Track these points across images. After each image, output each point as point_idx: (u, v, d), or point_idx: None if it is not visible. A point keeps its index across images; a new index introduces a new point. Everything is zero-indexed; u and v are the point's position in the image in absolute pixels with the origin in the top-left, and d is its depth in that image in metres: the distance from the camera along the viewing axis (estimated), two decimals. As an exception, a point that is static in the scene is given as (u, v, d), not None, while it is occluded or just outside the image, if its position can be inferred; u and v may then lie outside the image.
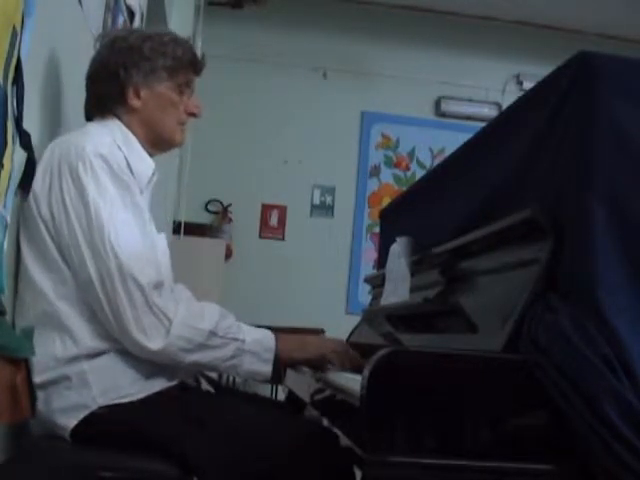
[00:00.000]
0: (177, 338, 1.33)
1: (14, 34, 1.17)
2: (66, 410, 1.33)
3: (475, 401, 1.01)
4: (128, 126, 1.51)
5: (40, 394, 1.34)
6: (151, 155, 1.56)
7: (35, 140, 1.37)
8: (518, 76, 5.40)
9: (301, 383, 1.73)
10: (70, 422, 1.32)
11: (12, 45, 1.16)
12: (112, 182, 1.37)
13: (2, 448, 1.33)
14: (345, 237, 5.25)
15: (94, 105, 1.54)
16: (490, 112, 5.13)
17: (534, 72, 4.72)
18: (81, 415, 1.32)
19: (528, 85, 5.00)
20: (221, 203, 5.10)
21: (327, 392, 1.40)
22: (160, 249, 1.48)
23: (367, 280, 2.40)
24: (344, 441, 1.26)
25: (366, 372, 0.99)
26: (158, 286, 1.34)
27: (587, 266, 1.04)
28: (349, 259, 5.23)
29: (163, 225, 3.69)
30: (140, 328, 1.31)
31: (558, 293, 1.06)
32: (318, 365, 1.51)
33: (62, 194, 1.35)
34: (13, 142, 1.23)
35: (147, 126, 1.53)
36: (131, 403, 1.34)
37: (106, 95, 1.51)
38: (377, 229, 3.11)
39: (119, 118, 1.51)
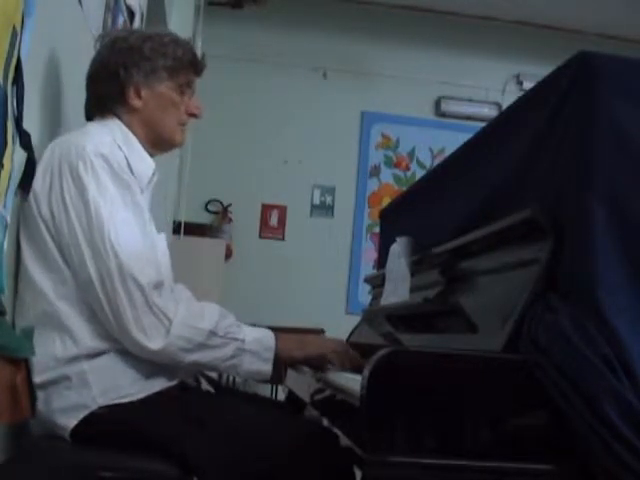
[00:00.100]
0: (177, 338, 1.33)
1: (14, 34, 1.17)
2: (66, 410, 1.33)
3: (475, 401, 1.01)
4: (128, 126, 1.51)
5: (40, 394, 1.34)
6: (151, 155, 1.56)
7: (35, 140, 1.37)
8: (518, 76, 5.40)
9: (301, 383, 1.73)
10: (70, 422, 1.32)
11: (12, 45, 1.16)
12: (112, 181, 1.37)
13: (2, 448, 1.33)
14: (345, 237, 5.25)
15: (94, 105, 1.54)
16: (490, 112, 5.14)
17: (534, 72, 4.72)
18: (81, 415, 1.32)
19: (528, 85, 5.00)
20: (221, 203, 5.10)
21: (327, 392, 1.40)
22: (160, 249, 1.48)
23: (367, 280, 2.40)
24: (344, 441, 1.26)
25: (366, 372, 0.99)
26: (158, 286, 1.34)
27: (587, 266, 1.04)
28: (349, 259, 5.24)
29: (163, 225, 3.69)
30: (140, 328, 1.31)
31: (558, 293, 1.06)
32: (318, 365, 1.51)
33: (62, 193, 1.35)
34: (13, 142, 1.23)
35: (147, 126, 1.53)
36: (131, 403, 1.34)
37: (106, 95, 1.51)
38: (377, 229, 3.11)
39: (119, 118, 1.51)
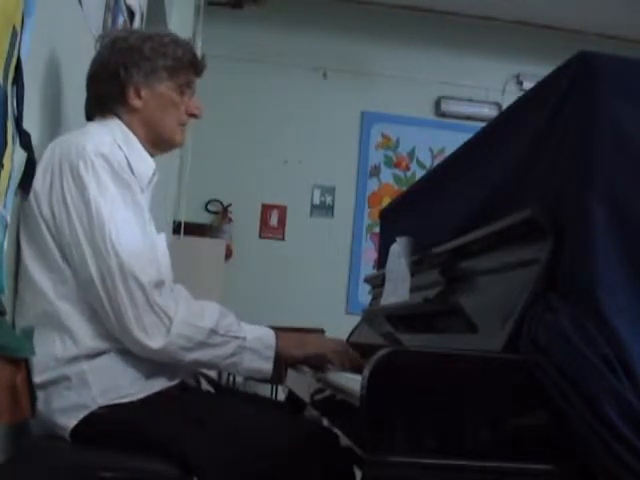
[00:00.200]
0: (178, 337, 1.33)
1: (14, 34, 1.17)
2: (66, 410, 1.33)
3: (475, 401, 1.01)
4: (129, 126, 1.51)
5: (40, 394, 1.34)
6: (152, 155, 1.56)
7: (35, 140, 1.37)
8: (518, 76, 5.40)
9: (301, 383, 1.73)
10: (70, 422, 1.32)
11: (12, 45, 1.16)
12: (113, 181, 1.37)
13: (2, 448, 1.33)
14: (345, 237, 5.25)
15: (95, 105, 1.54)
16: (490, 112, 5.14)
17: (534, 72, 4.72)
18: (81, 415, 1.32)
19: (528, 85, 5.00)
20: (221, 203, 5.10)
21: (327, 392, 1.40)
22: (160, 249, 1.48)
23: (367, 280, 2.40)
24: (344, 441, 1.26)
25: (366, 372, 0.99)
26: (159, 285, 1.34)
27: (587, 266, 1.04)
28: (349, 259, 5.24)
29: (163, 225, 3.69)
30: (141, 327, 1.31)
31: (558, 293, 1.06)
32: (318, 364, 1.51)
33: (63, 193, 1.35)
34: (13, 142, 1.23)
35: (147, 126, 1.53)
36: (131, 403, 1.34)
37: (107, 95, 1.51)
38: (377, 229, 3.12)
39: (120, 118, 1.51)
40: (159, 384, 1.38)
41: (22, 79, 1.23)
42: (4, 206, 1.21)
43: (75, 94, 1.63)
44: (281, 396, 3.32)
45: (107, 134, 1.45)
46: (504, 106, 4.66)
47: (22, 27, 1.21)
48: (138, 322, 1.31)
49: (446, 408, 1.00)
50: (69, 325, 1.34)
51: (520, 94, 1.46)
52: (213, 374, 1.78)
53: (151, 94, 1.52)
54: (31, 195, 1.37)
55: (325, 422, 1.46)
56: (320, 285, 5.04)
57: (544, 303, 1.05)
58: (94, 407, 1.32)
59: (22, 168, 1.31)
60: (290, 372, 1.91)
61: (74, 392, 1.33)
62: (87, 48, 1.70)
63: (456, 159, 1.71)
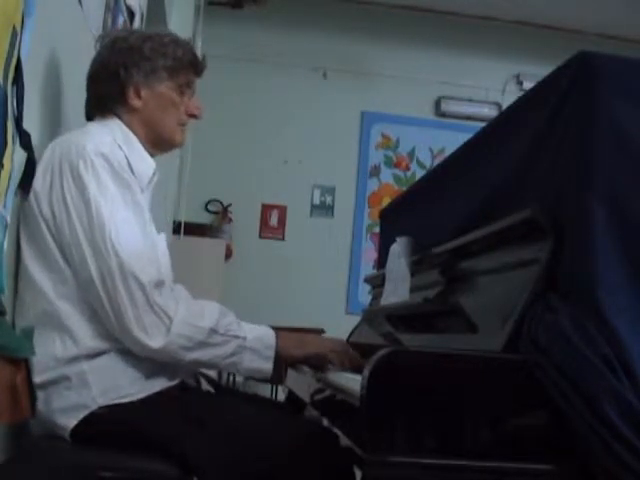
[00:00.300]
0: (178, 336, 1.33)
1: (14, 34, 1.17)
2: (66, 410, 1.33)
3: (475, 401, 1.01)
4: (129, 126, 1.51)
5: (40, 394, 1.34)
6: (152, 155, 1.56)
7: (35, 140, 1.37)
8: (518, 76, 5.40)
9: (301, 383, 1.73)
10: (70, 422, 1.32)
11: (12, 45, 1.16)
12: (113, 180, 1.37)
13: (2, 448, 1.33)
14: (345, 237, 5.25)
15: (95, 105, 1.54)
16: (490, 112, 5.14)
17: (534, 72, 4.72)
18: (81, 415, 1.32)
19: (528, 85, 5.00)
20: (221, 203, 5.10)
21: (327, 392, 1.40)
22: (160, 249, 1.48)
23: (367, 280, 2.39)
24: (344, 441, 1.26)
25: (366, 372, 0.99)
26: (159, 285, 1.34)
27: (587, 266, 1.04)
28: (349, 259, 5.24)
29: (163, 225, 3.69)
30: (141, 326, 1.31)
31: (558, 293, 1.06)
32: (318, 364, 1.51)
33: (63, 192, 1.35)
34: (13, 142, 1.23)
35: (147, 126, 1.53)
36: (131, 403, 1.34)
37: (107, 95, 1.51)
38: (377, 229, 3.12)
39: (120, 118, 1.51)
40: (159, 384, 1.38)
41: (22, 79, 1.23)
42: (4, 206, 1.21)
43: (75, 94, 1.63)
44: (281, 396, 3.32)
45: (107, 134, 1.45)
46: (504, 106, 4.66)
47: (22, 27, 1.21)
48: (138, 322, 1.31)
49: (446, 408, 1.00)
50: (69, 325, 1.34)
51: (520, 94, 1.46)
52: (213, 374, 1.78)
53: (151, 94, 1.52)
54: (31, 195, 1.37)
55: (325, 422, 1.46)
56: (320, 285, 5.04)
57: (544, 303, 1.05)
58: (94, 407, 1.32)
59: (22, 168, 1.31)
60: (290, 372, 1.91)
61: (74, 392, 1.33)
62: (87, 48, 1.70)
63: (456, 159, 1.71)
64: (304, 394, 1.68)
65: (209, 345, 1.36)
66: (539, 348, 1.01)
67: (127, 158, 1.43)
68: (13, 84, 1.21)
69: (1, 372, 1.23)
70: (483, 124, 1.61)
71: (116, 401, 1.33)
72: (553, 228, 1.11)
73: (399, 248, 1.73)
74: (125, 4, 2.31)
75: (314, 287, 5.03)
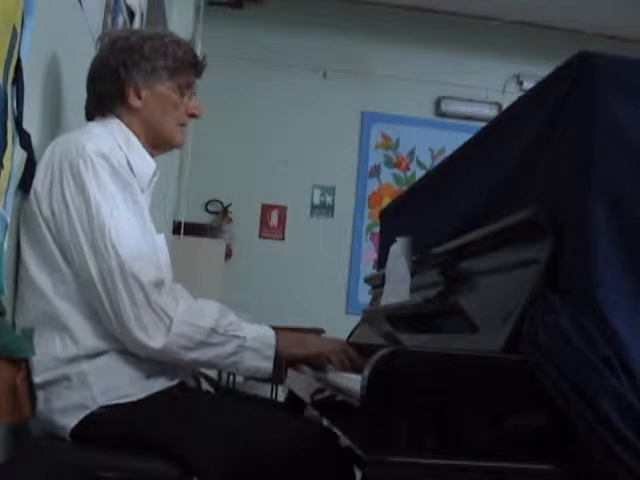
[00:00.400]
0: (178, 336, 1.33)
1: (14, 34, 1.16)
2: (66, 410, 1.33)
3: (475, 401, 1.01)
4: (129, 126, 1.51)
5: (40, 394, 1.34)
6: (152, 155, 1.56)
7: (35, 140, 1.37)
8: (518, 76, 5.40)
9: (301, 383, 1.73)
10: (70, 422, 1.32)
11: (12, 45, 1.16)
12: (113, 180, 1.37)
13: (2, 448, 1.33)
14: (345, 237, 5.25)
15: (95, 105, 1.54)
16: (490, 112, 5.14)
17: (534, 72, 4.72)
18: (81, 415, 1.32)
19: (528, 85, 5.00)
20: (221, 203, 5.10)
21: (327, 392, 1.40)
22: (160, 250, 1.48)
23: (367, 280, 2.39)
24: (344, 441, 1.26)
25: (366, 372, 0.99)
26: (159, 284, 1.34)
27: (587, 266, 1.04)
28: (349, 259, 5.24)
29: (163, 225, 3.69)
30: (141, 326, 1.31)
31: (558, 293, 1.06)
32: (318, 364, 1.51)
33: (63, 192, 1.35)
34: (13, 142, 1.23)
35: (147, 126, 1.53)
36: (131, 403, 1.34)
37: (107, 95, 1.51)
38: (377, 229, 3.11)
39: (120, 118, 1.51)
40: (159, 384, 1.38)
41: (22, 79, 1.23)
42: (4, 206, 1.21)
43: (75, 94, 1.63)
44: (281, 396, 3.32)
45: (107, 134, 1.45)
46: (504, 106, 4.66)
47: (22, 27, 1.20)
48: (138, 322, 1.31)
49: (446, 408, 1.00)
50: (69, 325, 1.34)
51: (520, 94, 1.46)
52: (213, 374, 1.78)
53: (151, 94, 1.52)
54: (31, 195, 1.37)
55: (325, 422, 1.46)
56: (320, 285, 5.04)
57: (544, 303, 1.05)
58: (94, 407, 1.32)
59: (22, 168, 1.31)
60: (290, 372, 1.91)
61: (74, 392, 1.33)
62: (87, 48, 1.70)
63: (456, 159, 1.71)
64: (304, 394, 1.68)
65: (209, 345, 1.36)
66: (539, 348, 1.01)
67: (127, 158, 1.43)
68: (13, 84, 1.21)
69: (1, 372, 1.23)
70: (483, 124, 1.61)
71: (116, 401, 1.33)
72: (553, 228, 1.11)
73: (399, 248, 1.73)
74: (125, 4, 2.31)
75: (314, 287, 5.03)
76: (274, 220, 5.21)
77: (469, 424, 1.00)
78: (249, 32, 5.12)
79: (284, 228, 5.21)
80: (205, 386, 1.66)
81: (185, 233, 4.46)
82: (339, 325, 2.77)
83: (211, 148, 4.94)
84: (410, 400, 1.00)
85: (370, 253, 5.01)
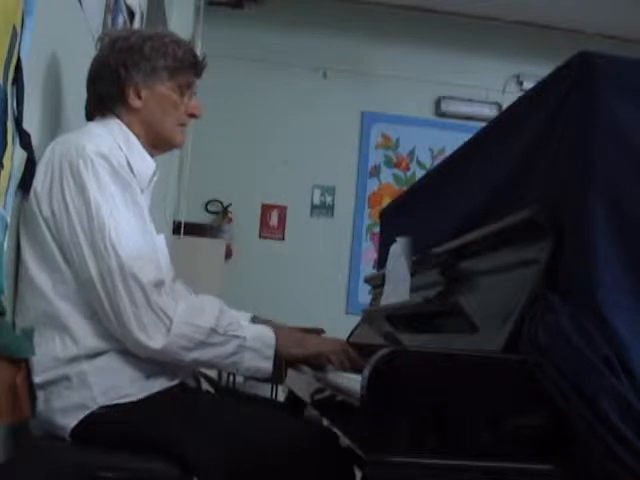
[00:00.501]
0: (178, 336, 1.33)
1: (14, 34, 1.16)
2: (66, 410, 1.33)
3: (475, 401, 1.01)
4: (129, 126, 1.51)
5: (40, 394, 1.34)
6: (151, 155, 1.56)
7: (35, 140, 1.37)
8: (518, 76, 5.40)
9: (301, 383, 1.73)
10: (70, 422, 1.32)
11: (12, 45, 1.16)
12: (113, 180, 1.37)
13: (2, 448, 1.33)
14: (345, 237, 5.25)
15: (95, 105, 1.54)
16: (490, 112, 5.14)
17: (534, 72, 4.72)
18: (81, 415, 1.32)
19: (528, 85, 5.00)
20: (221, 203, 5.10)
21: (327, 392, 1.40)
22: (160, 250, 1.48)
23: (367, 280, 2.39)
24: (344, 441, 1.26)
25: (366, 372, 0.99)
26: (159, 285, 1.34)
27: (587, 266, 1.04)
28: (349, 259, 5.24)
29: (163, 225, 3.69)
30: (141, 327, 1.31)
31: (558, 293, 1.06)
32: (318, 364, 1.51)
33: (63, 192, 1.35)
34: (13, 142, 1.23)
35: (147, 126, 1.53)
36: (131, 403, 1.34)
37: (107, 95, 1.51)
38: (377, 229, 3.11)
39: (120, 118, 1.51)
40: (159, 384, 1.38)
41: (22, 79, 1.23)
42: (4, 206, 1.21)
43: (75, 94, 1.63)
44: (281, 396, 3.32)
45: (107, 134, 1.45)
46: (504, 106, 4.66)
47: (22, 26, 1.20)
48: (138, 322, 1.31)
49: (446, 408, 1.00)
50: (69, 325, 1.34)
51: (520, 94, 1.46)
52: (213, 374, 1.78)
53: (151, 94, 1.52)
54: (31, 195, 1.37)
55: (325, 422, 1.46)
56: (320, 285, 5.04)
57: (544, 303, 1.05)
58: (94, 407, 1.32)
59: (22, 168, 1.31)
60: (290, 372, 1.91)
61: (74, 392, 1.33)
62: (87, 48, 1.70)
63: (456, 159, 1.71)
64: (304, 394, 1.68)
65: (209, 345, 1.36)
66: (539, 348, 1.01)
67: (127, 158, 1.43)
68: (13, 84, 1.21)
69: (1, 372, 1.23)
70: (483, 124, 1.61)
71: (116, 401, 1.33)
72: (553, 228, 1.11)
73: (399, 248, 1.73)
74: (125, 4, 2.31)
75: (314, 287, 5.03)
76: (274, 220, 5.21)
77: (469, 424, 1.00)
78: (249, 32, 5.12)
79: (284, 228, 5.21)
80: (205, 386, 1.66)
81: (185, 233, 4.46)
82: (339, 325, 2.77)
83: (211, 148, 4.94)
84: (410, 400, 1.00)
85: (370, 253, 5.01)
